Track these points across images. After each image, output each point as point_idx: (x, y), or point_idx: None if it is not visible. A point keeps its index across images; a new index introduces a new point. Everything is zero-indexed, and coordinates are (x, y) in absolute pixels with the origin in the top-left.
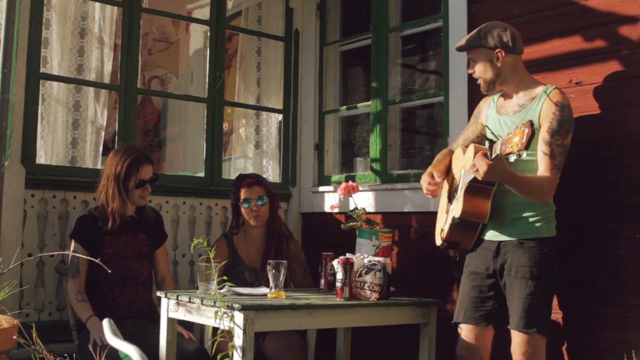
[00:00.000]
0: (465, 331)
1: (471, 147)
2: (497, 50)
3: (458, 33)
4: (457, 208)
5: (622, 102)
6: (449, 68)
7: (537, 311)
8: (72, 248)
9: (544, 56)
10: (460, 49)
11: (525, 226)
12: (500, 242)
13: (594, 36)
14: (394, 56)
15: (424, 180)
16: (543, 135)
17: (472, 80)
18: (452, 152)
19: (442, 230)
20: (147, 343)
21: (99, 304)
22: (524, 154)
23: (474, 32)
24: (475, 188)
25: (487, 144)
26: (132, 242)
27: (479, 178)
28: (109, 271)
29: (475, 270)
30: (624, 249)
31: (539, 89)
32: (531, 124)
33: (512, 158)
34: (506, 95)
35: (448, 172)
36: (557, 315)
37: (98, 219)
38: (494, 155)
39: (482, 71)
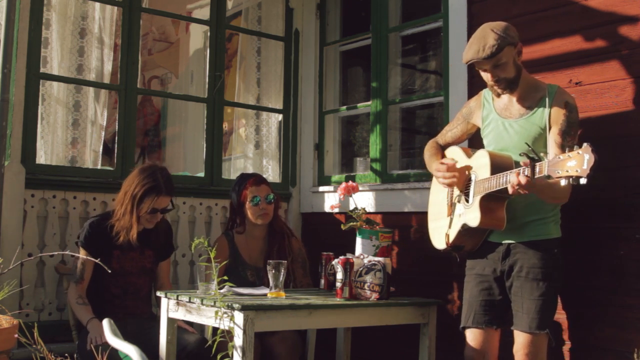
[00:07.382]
0: (475, 335)
1: (484, 154)
2: (519, 44)
3: (458, 33)
4: (472, 217)
5: (622, 102)
6: (449, 68)
7: (547, 312)
8: (80, 255)
9: (544, 56)
10: (491, 55)
11: (537, 228)
12: (510, 244)
13: (594, 36)
14: (394, 56)
15: (441, 167)
16: (555, 138)
17: (472, 80)
18: (439, 145)
19: (447, 235)
20: (147, 341)
21: (100, 311)
22: (584, 182)
23: (484, 38)
24: (491, 196)
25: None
26: (138, 258)
27: (519, 192)
28: (109, 271)
29: (481, 272)
30: (624, 249)
31: (542, 88)
32: (593, 149)
33: (564, 182)
34: (505, 95)
35: None
36: (557, 315)
37: (110, 228)
38: (537, 176)
39: (508, 71)
